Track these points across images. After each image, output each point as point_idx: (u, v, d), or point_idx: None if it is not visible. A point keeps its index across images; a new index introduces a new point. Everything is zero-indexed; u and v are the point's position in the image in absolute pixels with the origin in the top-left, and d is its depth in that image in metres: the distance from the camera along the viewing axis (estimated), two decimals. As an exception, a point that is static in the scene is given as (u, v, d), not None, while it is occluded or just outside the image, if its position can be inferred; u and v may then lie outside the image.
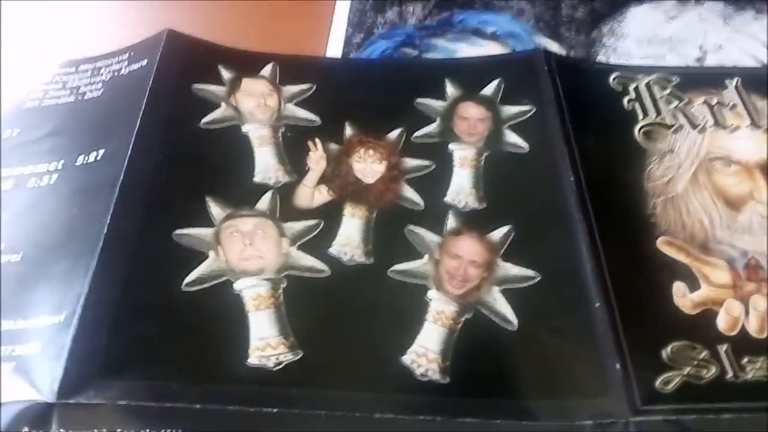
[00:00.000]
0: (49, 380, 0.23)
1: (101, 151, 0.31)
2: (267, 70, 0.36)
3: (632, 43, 0.40)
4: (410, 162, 0.33)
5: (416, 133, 0.34)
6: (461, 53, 0.39)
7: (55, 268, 0.27)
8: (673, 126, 0.35)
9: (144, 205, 0.29)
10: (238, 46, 0.37)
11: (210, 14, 0.42)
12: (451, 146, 0.34)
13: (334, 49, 0.39)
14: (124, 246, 0.27)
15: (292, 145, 0.33)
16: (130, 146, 0.31)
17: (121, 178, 0.29)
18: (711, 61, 0.39)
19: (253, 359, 0.26)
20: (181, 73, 0.34)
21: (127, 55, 0.36)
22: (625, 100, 0.36)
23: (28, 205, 0.30)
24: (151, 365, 0.25)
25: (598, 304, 0.28)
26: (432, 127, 0.35)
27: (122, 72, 0.35)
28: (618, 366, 0.26)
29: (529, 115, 0.35)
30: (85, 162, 0.31)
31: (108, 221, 0.28)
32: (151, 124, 0.32)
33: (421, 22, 0.41)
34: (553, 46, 0.40)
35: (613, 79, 0.37)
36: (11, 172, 0.31)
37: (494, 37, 0.40)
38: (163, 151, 0.31)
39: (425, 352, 0.27)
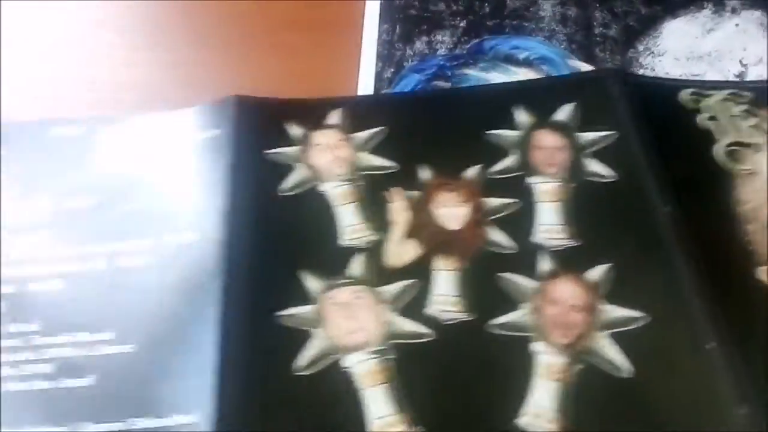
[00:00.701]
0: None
1: (190, 233, 0.31)
2: (335, 118, 0.36)
3: (670, 60, 0.39)
4: (493, 201, 0.33)
5: (492, 169, 0.34)
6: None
7: (174, 363, 0.27)
8: (753, 145, 0.33)
9: (247, 290, 0.29)
10: (264, 92, 0.36)
11: (233, 59, 0.41)
12: (531, 180, 0.33)
13: (365, 85, 0.38)
14: (237, 336, 0.28)
15: (373, 198, 0.33)
16: (224, 227, 0.31)
17: (222, 264, 0.29)
18: (752, 75, 0.37)
19: (377, 441, 0.26)
20: (255, 140, 0.34)
21: (199, 116, 0.36)
22: (699, 118, 0.34)
23: (125, 288, 0.30)
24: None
25: (713, 344, 0.28)
26: (509, 161, 0.34)
27: (192, 140, 0.35)
28: (745, 411, 0.26)
29: (609, 140, 0.34)
30: (176, 243, 0.31)
31: (220, 313, 0.28)
32: (238, 200, 0.31)
33: (451, 51, 0.40)
34: (587, 69, 0.38)
35: (689, 94, 0.35)
36: (100, 249, 0.31)
37: (527, 63, 0.39)
38: (253, 228, 0.31)
39: (541, 413, 0.27)
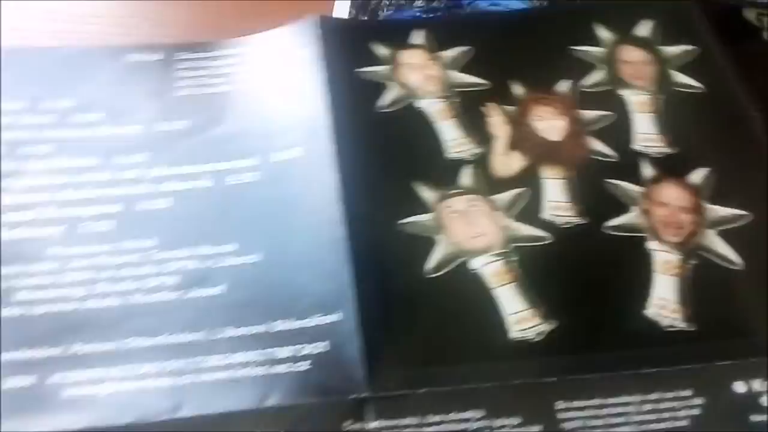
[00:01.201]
0: (359, 376, 0.24)
1: (296, 150, 0.31)
2: (419, 38, 0.36)
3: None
4: (589, 114, 0.33)
5: (583, 82, 0.34)
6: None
7: (306, 270, 0.27)
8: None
9: (366, 200, 0.29)
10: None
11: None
12: (623, 92, 0.34)
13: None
14: (365, 242, 0.27)
15: (469, 114, 0.33)
16: (331, 142, 0.30)
17: (336, 176, 0.29)
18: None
19: (515, 333, 0.27)
20: (345, 59, 0.33)
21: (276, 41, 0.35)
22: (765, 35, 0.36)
23: (238, 203, 0.29)
24: (429, 352, 0.26)
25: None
26: (598, 76, 0.34)
27: (278, 62, 0.34)
28: None
29: (692, 55, 0.35)
30: (283, 159, 0.30)
31: (345, 222, 0.28)
32: (339, 116, 0.31)
33: (428, 3, 0.39)
34: None
35: (754, 13, 0.37)
36: (203, 168, 0.30)
37: None
38: (359, 142, 0.31)
39: (665, 304, 0.28)
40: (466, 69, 0.35)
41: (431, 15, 0.38)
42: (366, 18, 0.38)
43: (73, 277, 0.27)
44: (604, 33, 0.36)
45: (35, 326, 0.26)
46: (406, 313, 0.27)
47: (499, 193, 0.30)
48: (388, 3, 0.39)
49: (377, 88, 0.33)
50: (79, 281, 0.27)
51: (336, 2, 0.39)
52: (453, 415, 0.24)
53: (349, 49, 0.34)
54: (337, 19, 0.36)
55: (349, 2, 0.39)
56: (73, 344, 0.25)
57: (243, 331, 0.26)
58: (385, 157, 0.31)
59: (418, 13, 0.39)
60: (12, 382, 0.24)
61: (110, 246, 0.28)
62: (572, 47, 0.35)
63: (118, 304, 0.26)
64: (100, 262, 0.28)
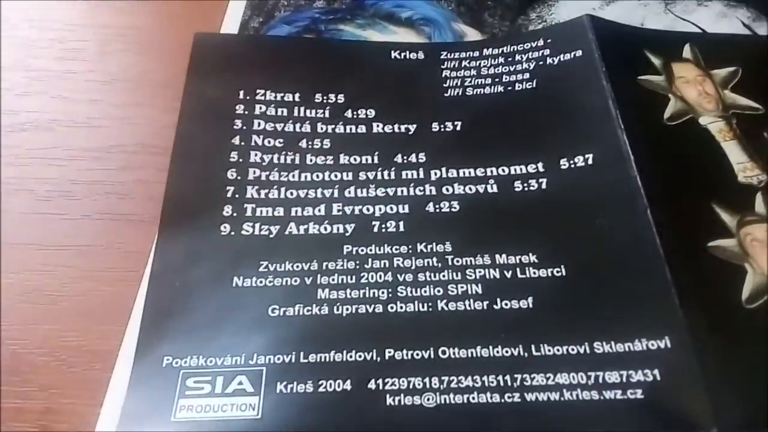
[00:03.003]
0: (704, 410, 0.23)
1: (589, 156, 0.29)
2: (687, 52, 0.34)
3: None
4: None
5: None
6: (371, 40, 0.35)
7: (619, 288, 0.26)
8: None
9: (673, 218, 0.27)
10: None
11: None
12: None
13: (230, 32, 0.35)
14: (681, 264, 0.26)
15: (748, 137, 0.31)
16: (627, 150, 0.29)
17: (638, 188, 0.28)
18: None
19: None
20: (624, 64, 0.32)
21: (541, 41, 0.34)
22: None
23: (530, 210, 0.28)
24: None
25: None
26: None
27: (549, 62, 0.33)
28: None
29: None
30: (571, 166, 0.29)
31: (657, 238, 0.26)
32: (631, 125, 0.30)
33: (329, 4, 0.37)
34: (472, 33, 0.36)
35: None
36: (486, 172, 0.29)
37: (409, 23, 0.36)
38: (656, 154, 0.29)
39: None
40: (736, 90, 0.33)
41: (330, 15, 0.36)
42: (264, 21, 0.36)
43: (373, 277, 0.27)
44: None
45: (342, 328, 0.25)
46: (738, 344, 0.25)
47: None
48: (285, 3, 0.37)
49: (659, 98, 0.32)
50: (380, 282, 0.26)
51: (231, 2, 0.37)
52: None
53: (627, 54, 0.33)
54: (608, 21, 0.34)
55: (244, 2, 0.37)
56: (385, 349, 0.25)
57: (561, 350, 0.24)
58: (682, 173, 0.29)
59: (317, 14, 0.37)
60: (328, 385, 0.24)
61: (406, 247, 0.27)
62: None
63: (425, 309, 0.26)
64: (398, 264, 0.27)
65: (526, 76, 0.33)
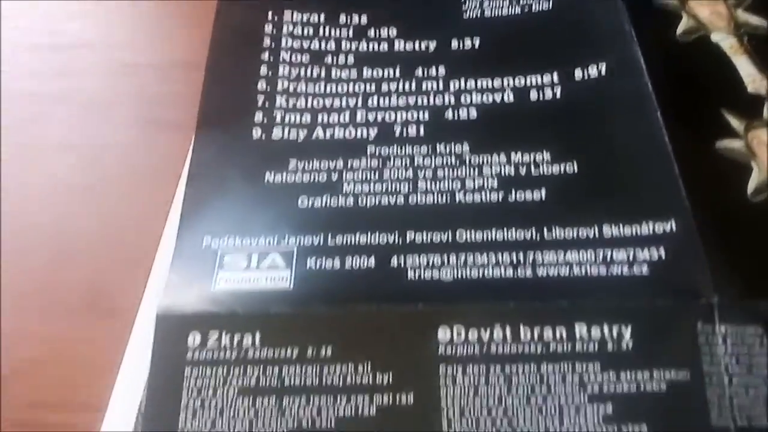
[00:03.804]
0: (705, 282, 0.24)
1: (602, 65, 0.30)
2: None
3: None
4: None
5: None
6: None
7: (631, 178, 0.27)
8: None
9: (681, 119, 0.28)
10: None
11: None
12: None
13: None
14: (690, 159, 0.27)
15: (760, 53, 0.32)
16: (640, 59, 0.30)
17: (652, 93, 0.29)
18: None
19: None
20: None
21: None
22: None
23: (546, 117, 0.30)
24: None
25: None
26: None
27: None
28: None
29: None
30: (584, 76, 0.30)
31: (666, 136, 0.28)
32: (644, 37, 0.31)
33: None
34: None
35: None
36: (503, 83, 0.31)
37: None
38: (668, 66, 0.30)
39: None
40: (750, 10, 0.34)
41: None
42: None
43: (394, 174, 0.28)
44: None
45: (366, 216, 0.27)
46: (740, 229, 0.26)
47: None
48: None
49: (672, 15, 0.33)
50: (401, 178, 0.28)
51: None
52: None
53: None
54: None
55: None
56: (406, 233, 0.26)
57: (572, 233, 0.26)
58: (693, 82, 0.30)
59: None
60: (353, 262, 0.26)
61: (426, 147, 0.29)
62: None
63: (443, 201, 0.27)
64: (418, 162, 0.29)
65: (544, -1, 0.35)
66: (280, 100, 0.31)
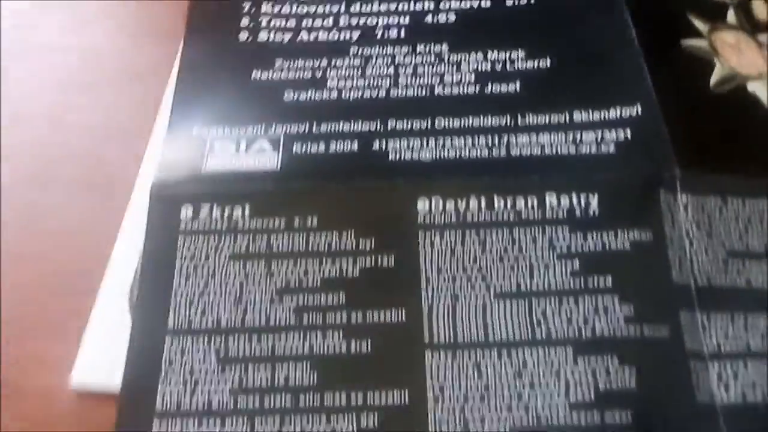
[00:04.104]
0: (668, 157, 0.25)
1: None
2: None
3: None
4: None
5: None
6: None
7: (600, 70, 0.29)
8: None
9: (649, 18, 0.30)
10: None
11: None
12: None
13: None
14: (656, 51, 0.29)
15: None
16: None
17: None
18: None
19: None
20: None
21: None
22: None
23: (521, 20, 0.31)
24: (725, 149, 0.27)
25: None
26: None
27: None
28: None
29: None
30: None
31: (633, 33, 0.29)
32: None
33: None
34: None
35: None
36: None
37: None
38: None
39: None
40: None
41: None
42: None
43: (376, 71, 0.30)
44: None
45: (350, 107, 0.28)
46: (702, 115, 0.28)
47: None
48: None
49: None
50: (383, 74, 0.29)
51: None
52: (750, 201, 0.26)
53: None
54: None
55: None
56: (388, 121, 0.28)
57: (545, 119, 0.27)
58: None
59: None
60: (338, 147, 0.27)
61: (406, 48, 0.30)
62: None
63: (423, 94, 0.29)
64: (399, 61, 0.30)
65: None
66: (265, 7, 0.32)
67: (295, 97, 0.29)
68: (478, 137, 0.27)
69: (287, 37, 0.31)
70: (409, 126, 0.28)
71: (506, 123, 0.27)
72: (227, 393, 0.22)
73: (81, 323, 0.26)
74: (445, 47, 0.30)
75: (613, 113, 0.27)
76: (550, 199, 0.25)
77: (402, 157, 0.27)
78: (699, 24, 0.31)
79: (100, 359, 0.25)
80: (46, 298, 0.27)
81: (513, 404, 0.22)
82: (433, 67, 0.30)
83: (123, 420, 0.22)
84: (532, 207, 0.25)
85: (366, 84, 0.29)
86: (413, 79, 0.29)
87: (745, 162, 0.26)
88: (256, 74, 0.29)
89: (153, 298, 0.24)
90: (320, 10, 0.32)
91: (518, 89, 0.29)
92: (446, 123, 0.28)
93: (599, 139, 0.27)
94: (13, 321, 0.26)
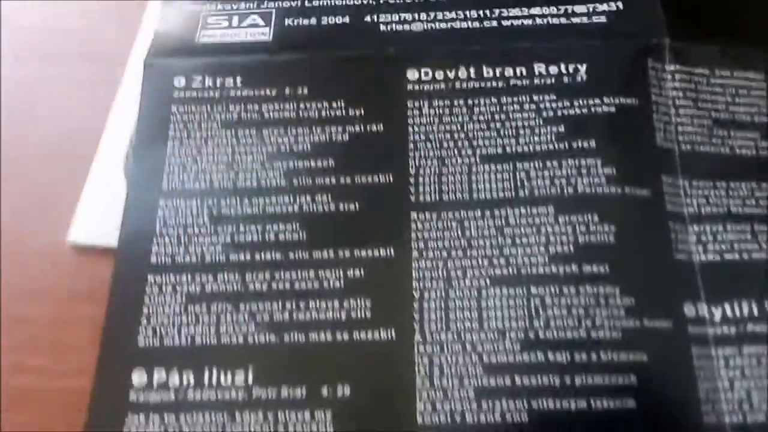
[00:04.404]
0: (659, 24, 0.25)
1: None
2: None
3: None
4: None
5: None
6: None
7: None
8: None
9: None
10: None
11: None
12: None
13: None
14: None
15: None
16: None
17: None
18: None
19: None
20: None
21: None
22: None
23: None
24: (721, 25, 0.27)
25: None
26: None
27: None
28: None
29: None
30: None
31: None
32: None
33: None
34: None
35: None
36: None
37: None
38: None
39: None
40: None
41: None
42: None
43: None
44: None
45: None
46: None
47: None
48: None
49: None
50: None
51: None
52: (737, 73, 0.26)
53: None
54: None
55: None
56: (380, -6, 0.28)
57: None
58: None
59: None
60: (329, 19, 0.27)
61: None
62: None
63: None
64: None
65: None
66: None
67: None
68: (470, 10, 0.27)
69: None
70: None
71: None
72: (219, 248, 0.23)
73: (78, 188, 0.27)
74: None
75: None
76: (539, 68, 0.25)
77: (393, 28, 0.27)
78: None
79: (96, 219, 0.26)
80: (44, 161, 0.28)
81: (494, 257, 0.23)
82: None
83: (120, 273, 0.23)
84: (521, 75, 0.25)
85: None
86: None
87: (735, 33, 0.26)
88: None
89: (147, 163, 0.25)
90: None
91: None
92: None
93: (590, 11, 0.27)
94: (13, 179, 0.27)
